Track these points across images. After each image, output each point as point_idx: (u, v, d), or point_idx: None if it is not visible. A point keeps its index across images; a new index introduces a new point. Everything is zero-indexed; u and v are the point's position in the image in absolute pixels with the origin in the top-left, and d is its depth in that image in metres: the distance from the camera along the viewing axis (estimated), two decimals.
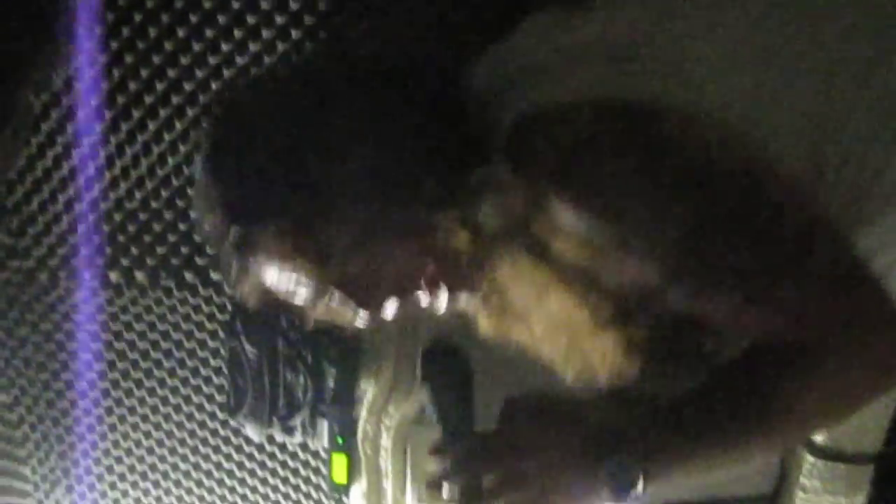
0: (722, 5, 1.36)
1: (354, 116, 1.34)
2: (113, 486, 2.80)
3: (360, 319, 1.45)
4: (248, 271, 1.39)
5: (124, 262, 2.49)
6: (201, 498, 2.83)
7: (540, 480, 1.30)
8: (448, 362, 1.47)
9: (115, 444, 2.75)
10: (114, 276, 2.52)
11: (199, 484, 2.81)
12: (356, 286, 1.40)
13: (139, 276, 2.52)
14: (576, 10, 1.43)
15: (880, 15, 1.32)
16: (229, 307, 2.51)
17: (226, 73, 2.28)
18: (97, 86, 2.26)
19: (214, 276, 2.51)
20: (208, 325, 2.59)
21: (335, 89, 1.36)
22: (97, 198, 2.42)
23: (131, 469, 2.78)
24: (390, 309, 1.44)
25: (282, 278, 1.38)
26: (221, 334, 2.55)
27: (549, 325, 1.42)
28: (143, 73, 2.27)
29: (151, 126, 2.34)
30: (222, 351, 2.59)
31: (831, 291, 1.19)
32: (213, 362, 2.63)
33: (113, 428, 2.74)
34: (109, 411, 2.71)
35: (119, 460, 2.78)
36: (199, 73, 2.28)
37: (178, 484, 2.81)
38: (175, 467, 2.79)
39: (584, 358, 1.42)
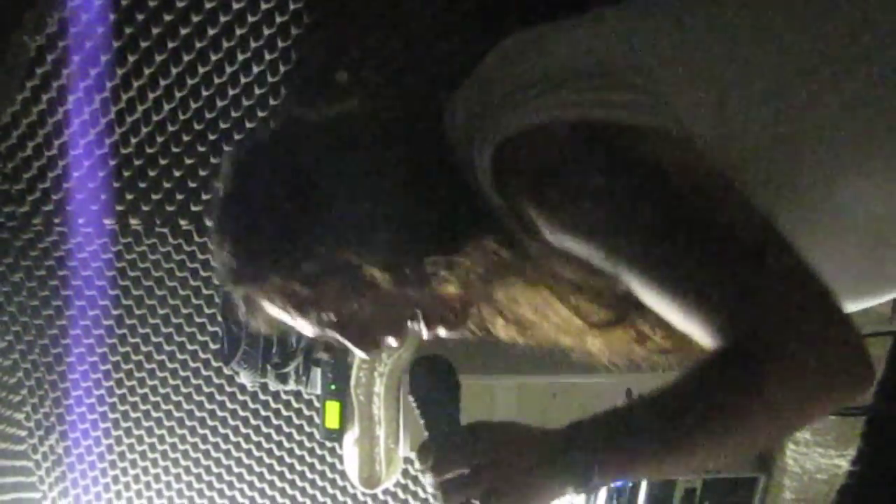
0: (688, 24, 1.40)
1: (351, 174, 1.40)
2: (107, 434, 2.82)
3: (359, 353, 1.56)
4: (254, 315, 1.52)
5: (119, 207, 2.49)
6: (195, 446, 2.85)
7: (507, 474, 1.37)
8: (435, 372, 1.52)
9: (110, 391, 2.76)
10: (108, 223, 2.51)
11: (193, 431, 2.83)
12: (351, 330, 1.50)
13: (133, 222, 2.52)
14: (541, 35, 1.47)
15: (842, 28, 1.36)
16: None
17: (222, 18, 2.27)
18: (93, 28, 2.25)
19: (210, 223, 2.50)
20: (203, 273, 2.59)
21: (332, 148, 1.43)
22: (92, 143, 2.41)
23: (125, 416, 2.79)
24: (385, 343, 1.54)
25: (284, 321, 1.51)
26: (216, 282, 2.55)
27: (559, 328, 1.51)
28: (139, 16, 2.26)
29: (147, 71, 2.33)
30: (216, 298, 2.60)
31: (779, 297, 1.23)
32: (207, 310, 2.64)
33: (107, 375, 2.74)
34: (104, 359, 2.72)
35: (113, 407, 2.78)
36: (195, 18, 2.27)
37: (171, 431, 2.82)
38: (169, 415, 2.80)
39: (600, 351, 1.52)
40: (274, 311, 1.49)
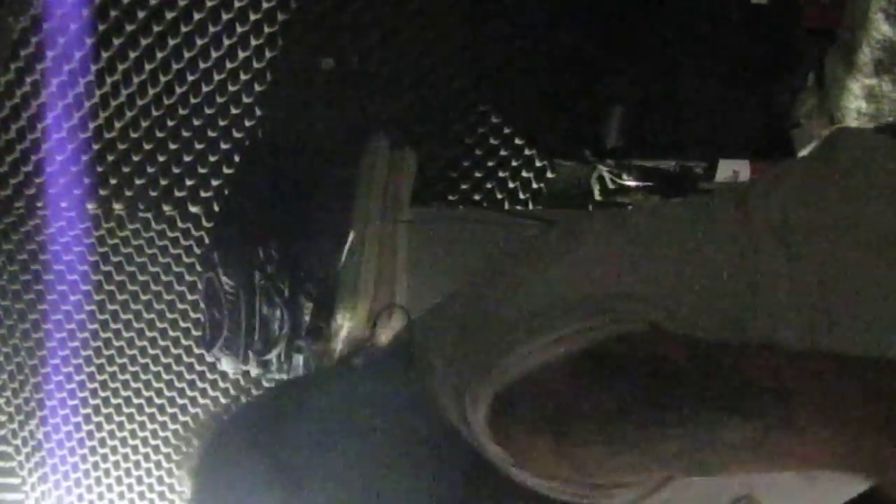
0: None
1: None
2: (88, 420, 2.80)
3: None
4: None
5: (102, 192, 2.48)
6: (176, 433, 2.84)
7: None
8: None
9: (91, 377, 2.74)
10: (91, 207, 2.50)
11: (174, 419, 2.82)
12: None
13: (117, 207, 2.51)
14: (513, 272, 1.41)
15: None
16: (207, 240, 2.50)
17: (208, 3, 2.27)
18: (77, 11, 2.24)
19: (193, 209, 2.50)
20: (185, 259, 2.58)
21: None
22: (76, 126, 2.40)
23: (106, 402, 2.78)
24: None
25: None
26: (199, 268, 2.55)
27: None
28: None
29: (132, 54, 2.32)
30: (199, 285, 2.59)
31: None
32: (189, 296, 2.63)
33: (88, 361, 2.73)
34: (85, 344, 2.71)
35: (94, 393, 2.77)
36: (181, 2, 2.27)
37: (152, 418, 2.81)
38: (150, 401, 2.79)
39: None
40: None
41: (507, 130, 2.50)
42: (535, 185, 2.55)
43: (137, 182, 2.47)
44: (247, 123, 2.40)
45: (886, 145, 1.55)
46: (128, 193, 2.49)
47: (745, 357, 1.24)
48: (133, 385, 2.76)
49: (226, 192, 2.44)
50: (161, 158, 2.44)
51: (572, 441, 1.23)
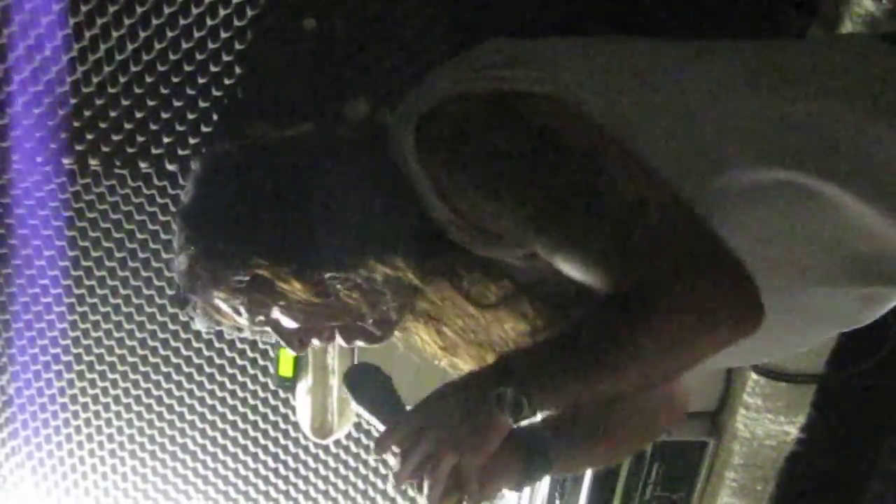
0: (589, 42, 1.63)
1: (290, 192, 1.58)
2: (59, 376, 2.79)
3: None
4: (204, 314, 1.77)
5: (78, 147, 2.46)
6: (148, 391, 2.83)
7: (443, 429, 1.49)
8: (366, 377, 1.69)
9: (63, 333, 2.73)
10: (67, 162, 2.48)
11: (147, 377, 2.81)
12: (281, 333, 1.72)
13: (93, 162, 2.49)
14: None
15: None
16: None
17: None
18: None
19: (170, 166, 2.49)
20: (161, 217, 2.57)
21: (278, 167, 1.61)
22: (53, 80, 2.38)
23: (78, 359, 2.77)
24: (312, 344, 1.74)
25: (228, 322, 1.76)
26: (175, 226, 2.53)
27: (459, 331, 1.71)
28: None
29: (111, 8, 2.30)
30: (174, 244, 2.57)
31: (664, 243, 1.36)
32: (164, 255, 2.61)
33: (61, 318, 2.72)
34: (58, 301, 2.69)
35: (66, 350, 2.76)
36: None
37: (125, 376, 2.81)
38: (122, 359, 2.78)
39: (493, 345, 1.70)
40: (219, 307, 1.72)
41: None
42: None
43: (114, 138, 2.45)
44: (226, 81, 2.38)
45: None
46: (104, 149, 2.47)
47: (617, 162, 1.41)
48: (105, 342, 2.75)
49: (203, 150, 2.42)
50: (139, 115, 2.42)
51: (459, 168, 1.46)
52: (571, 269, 1.42)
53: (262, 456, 2.93)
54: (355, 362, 1.75)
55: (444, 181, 1.49)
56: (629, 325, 1.36)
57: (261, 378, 2.79)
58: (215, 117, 2.40)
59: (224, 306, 1.70)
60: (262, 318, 1.70)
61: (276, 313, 1.68)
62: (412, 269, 1.56)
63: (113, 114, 2.42)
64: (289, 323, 1.69)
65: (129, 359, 2.78)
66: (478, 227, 1.52)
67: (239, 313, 1.70)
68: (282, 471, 2.96)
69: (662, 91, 1.50)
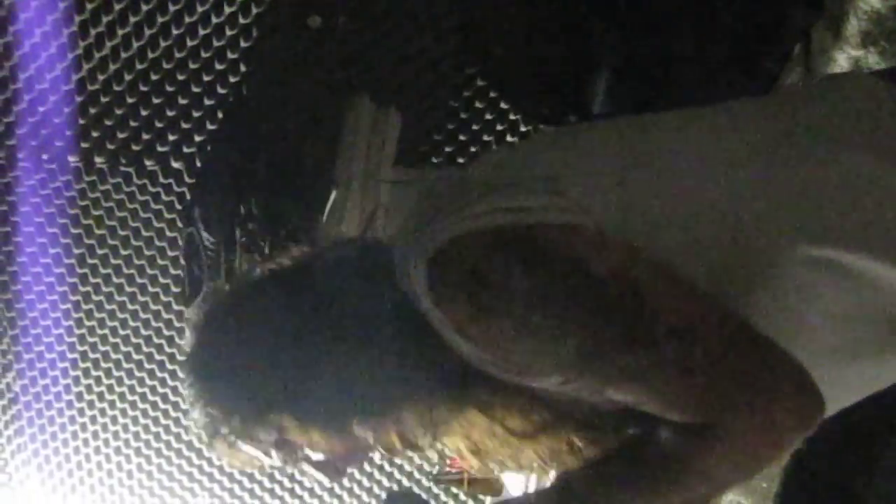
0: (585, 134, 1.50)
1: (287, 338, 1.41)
2: (65, 373, 2.80)
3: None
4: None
5: (84, 145, 2.46)
6: (153, 388, 2.84)
7: None
8: (408, 499, 1.64)
9: (69, 331, 2.74)
10: (73, 160, 2.49)
11: (152, 374, 2.82)
12: (318, 467, 1.55)
13: (99, 160, 2.49)
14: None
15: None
16: (188, 195, 2.50)
17: None
18: None
19: (175, 164, 2.49)
20: (167, 214, 2.57)
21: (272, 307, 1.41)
22: (58, 78, 2.38)
23: (84, 356, 2.78)
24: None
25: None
26: (179, 224, 2.54)
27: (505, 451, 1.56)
28: None
29: (117, 6, 2.30)
30: (180, 241, 2.58)
31: (719, 367, 1.29)
32: (170, 252, 2.62)
33: (67, 315, 2.73)
34: (64, 298, 2.70)
35: (72, 347, 2.77)
36: None
37: (130, 373, 2.81)
38: (128, 357, 2.79)
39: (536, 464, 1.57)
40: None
41: (492, 94, 2.50)
42: None
43: (120, 136, 2.46)
44: (231, 79, 2.38)
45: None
46: (110, 147, 2.47)
47: (654, 286, 1.29)
48: (112, 339, 2.76)
49: (208, 147, 2.42)
50: (144, 112, 2.43)
51: (484, 315, 1.33)
52: (624, 399, 1.35)
53: None
54: None
55: (469, 328, 1.38)
56: (701, 452, 1.32)
57: None
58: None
59: (253, 451, 1.53)
60: (295, 461, 1.57)
61: (309, 452, 1.55)
62: (444, 404, 1.45)
63: (118, 112, 2.42)
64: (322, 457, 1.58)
65: (135, 356, 2.78)
66: (508, 360, 1.40)
67: (269, 456, 1.53)
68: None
69: (675, 185, 1.39)
